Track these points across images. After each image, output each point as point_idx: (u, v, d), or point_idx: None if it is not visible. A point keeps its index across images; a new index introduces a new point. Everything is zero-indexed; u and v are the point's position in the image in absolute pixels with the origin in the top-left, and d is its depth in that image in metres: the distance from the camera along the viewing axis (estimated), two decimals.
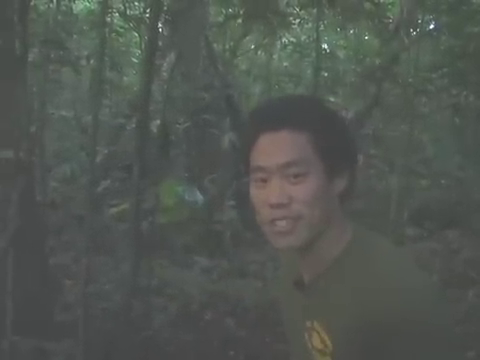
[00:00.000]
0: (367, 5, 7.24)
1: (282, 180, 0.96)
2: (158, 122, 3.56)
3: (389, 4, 8.11)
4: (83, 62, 6.87)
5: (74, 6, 7.92)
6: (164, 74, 5.45)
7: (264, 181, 0.98)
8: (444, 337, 0.91)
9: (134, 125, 5.09)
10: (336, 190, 0.98)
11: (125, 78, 8.23)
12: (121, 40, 7.69)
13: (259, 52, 9.49)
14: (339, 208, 1.00)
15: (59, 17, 6.97)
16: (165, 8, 5.44)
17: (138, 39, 7.71)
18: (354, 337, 0.90)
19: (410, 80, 5.86)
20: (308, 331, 1.00)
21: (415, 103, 5.83)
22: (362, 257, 0.95)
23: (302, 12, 7.67)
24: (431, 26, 7.05)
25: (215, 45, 6.92)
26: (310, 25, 8.50)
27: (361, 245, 0.97)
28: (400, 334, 0.88)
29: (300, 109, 1.00)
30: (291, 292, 1.06)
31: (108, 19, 6.35)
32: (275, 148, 0.97)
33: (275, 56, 10.06)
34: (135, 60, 8.86)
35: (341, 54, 9.34)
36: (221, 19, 7.21)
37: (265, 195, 0.97)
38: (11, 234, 2.38)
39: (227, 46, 7.25)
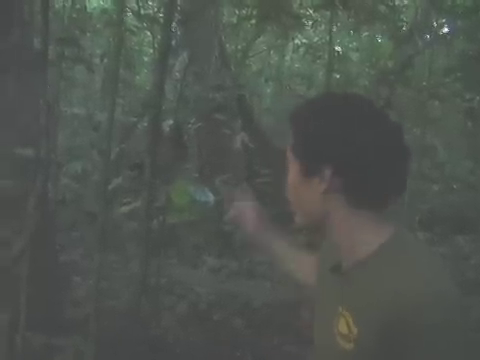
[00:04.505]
0: (381, 8, 7.23)
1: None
2: (170, 121, 3.58)
3: (403, 7, 8.09)
4: (96, 60, 6.92)
5: (88, 4, 8.00)
6: (176, 74, 5.48)
7: None
8: (461, 344, 0.95)
9: (146, 124, 5.13)
10: (317, 189, 1.03)
11: (137, 77, 8.29)
12: (134, 39, 7.74)
13: (271, 53, 9.51)
14: (342, 204, 1.04)
15: (73, 15, 7.04)
16: (178, 8, 5.47)
17: (150, 38, 7.75)
18: (379, 329, 0.95)
19: (423, 84, 5.85)
20: (337, 316, 1.03)
21: (428, 107, 5.81)
22: (400, 254, 1.00)
23: (315, 14, 7.68)
24: (445, 29, 7.03)
25: (227, 46, 6.95)
26: (323, 27, 8.50)
27: (400, 243, 1.02)
28: (423, 334, 0.92)
29: (296, 109, 1.09)
30: (327, 276, 1.12)
31: (122, 17, 6.40)
32: None
33: (287, 57, 10.07)
34: (146, 59, 8.91)
35: (354, 56, 9.32)
36: (234, 20, 7.23)
37: None
38: (29, 234, 2.40)
39: (239, 47, 7.27)
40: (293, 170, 1.07)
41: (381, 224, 1.05)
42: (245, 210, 1.50)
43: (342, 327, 1.02)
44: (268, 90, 9.98)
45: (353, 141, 1.00)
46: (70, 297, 3.65)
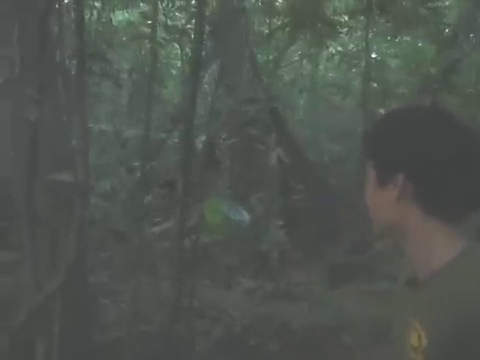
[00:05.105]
0: (422, 10, 7.20)
1: None
2: (202, 137, 3.66)
3: (445, 8, 8.02)
4: (124, 75, 7.09)
5: (113, 17, 8.21)
6: (206, 86, 5.58)
7: None
8: None
9: (175, 140, 5.22)
10: (390, 196, 1.11)
11: (164, 90, 8.43)
12: (162, 52, 7.91)
13: (304, 62, 9.54)
14: (415, 213, 1.11)
15: (99, 28, 7.25)
16: (207, 18, 5.57)
17: (178, 50, 7.91)
18: (450, 337, 1.02)
19: (470, 90, 5.78)
20: (409, 330, 1.11)
21: (475, 115, 5.74)
22: (475, 264, 1.07)
23: (350, 20, 7.70)
24: None
25: (259, 56, 7.02)
26: (359, 33, 8.51)
27: (475, 254, 1.10)
28: None
29: (377, 120, 1.20)
30: (400, 291, 1.20)
31: (149, 30, 6.57)
32: None
33: (321, 67, 10.09)
34: (174, 72, 9.06)
35: (392, 63, 9.28)
36: (265, 29, 7.31)
37: None
38: (69, 266, 2.45)
39: (271, 57, 7.33)
40: (370, 178, 1.16)
41: (454, 236, 1.11)
42: None
43: (414, 340, 1.09)
44: (302, 101, 10.01)
45: (425, 148, 1.08)
46: (100, 321, 3.71)
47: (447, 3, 8.18)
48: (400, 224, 1.12)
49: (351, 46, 9.16)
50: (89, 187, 2.43)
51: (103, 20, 7.71)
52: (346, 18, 7.71)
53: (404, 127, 1.11)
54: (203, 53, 4.60)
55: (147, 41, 7.22)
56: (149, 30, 6.53)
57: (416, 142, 1.09)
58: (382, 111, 7.61)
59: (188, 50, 7.01)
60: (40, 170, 2.40)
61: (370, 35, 7.65)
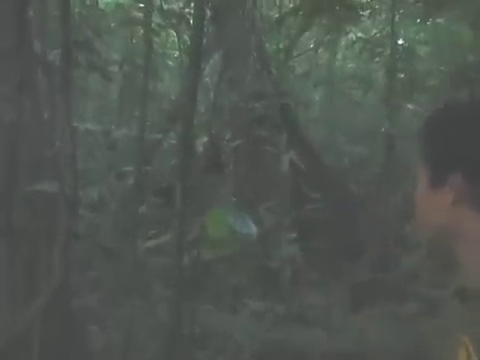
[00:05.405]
0: None
1: None
2: (202, 138, 3.69)
3: None
4: (114, 67, 7.12)
5: (99, 0, 8.24)
6: (207, 80, 5.61)
7: None
8: None
9: (173, 141, 5.26)
10: (444, 199, 1.15)
11: (160, 84, 8.47)
12: (156, 40, 7.95)
13: (320, 51, 9.57)
14: (471, 218, 1.14)
15: (84, 13, 7.28)
16: (208, 2, 5.61)
17: (175, 38, 7.95)
18: None
19: None
20: (456, 345, 1.15)
21: None
22: None
23: (374, 1, 7.73)
24: None
25: (267, 44, 7.06)
26: (383, 16, 8.52)
27: None
28: None
29: (429, 116, 1.23)
30: (449, 302, 1.20)
31: (141, 15, 6.61)
32: None
33: (339, 56, 10.11)
34: (171, 63, 9.10)
35: (422, 51, 9.29)
36: (274, 13, 7.35)
37: None
38: (53, 288, 2.46)
39: (281, 45, 7.37)
40: (420, 180, 1.20)
41: None
42: None
43: (462, 358, 1.13)
44: (317, 97, 10.03)
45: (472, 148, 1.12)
46: (87, 350, 3.73)
47: None
48: (454, 229, 1.15)
49: (374, 31, 9.18)
50: (77, 197, 2.45)
51: (88, 3, 7.74)
52: None
53: (460, 123, 1.15)
54: (204, 41, 4.64)
55: (140, 27, 7.27)
56: (142, 15, 6.58)
57: (474, 139, 1.12)
58: (410, 107, 7.64)
59: (186, 38, 7.05)
60: (19, 178, 2.42)
61: (397, 18, 7.68)
